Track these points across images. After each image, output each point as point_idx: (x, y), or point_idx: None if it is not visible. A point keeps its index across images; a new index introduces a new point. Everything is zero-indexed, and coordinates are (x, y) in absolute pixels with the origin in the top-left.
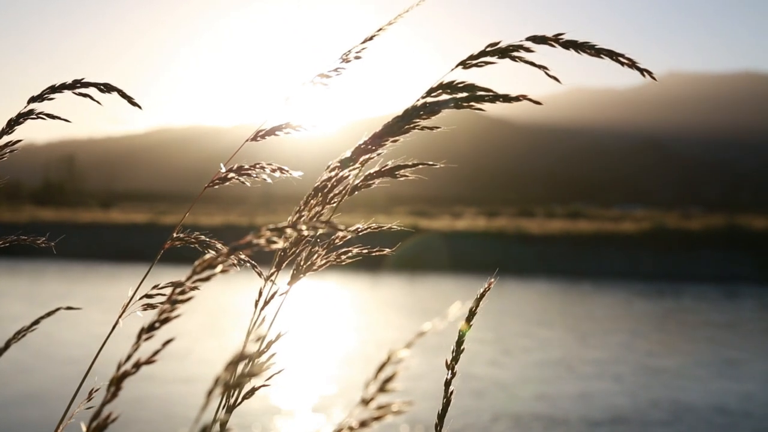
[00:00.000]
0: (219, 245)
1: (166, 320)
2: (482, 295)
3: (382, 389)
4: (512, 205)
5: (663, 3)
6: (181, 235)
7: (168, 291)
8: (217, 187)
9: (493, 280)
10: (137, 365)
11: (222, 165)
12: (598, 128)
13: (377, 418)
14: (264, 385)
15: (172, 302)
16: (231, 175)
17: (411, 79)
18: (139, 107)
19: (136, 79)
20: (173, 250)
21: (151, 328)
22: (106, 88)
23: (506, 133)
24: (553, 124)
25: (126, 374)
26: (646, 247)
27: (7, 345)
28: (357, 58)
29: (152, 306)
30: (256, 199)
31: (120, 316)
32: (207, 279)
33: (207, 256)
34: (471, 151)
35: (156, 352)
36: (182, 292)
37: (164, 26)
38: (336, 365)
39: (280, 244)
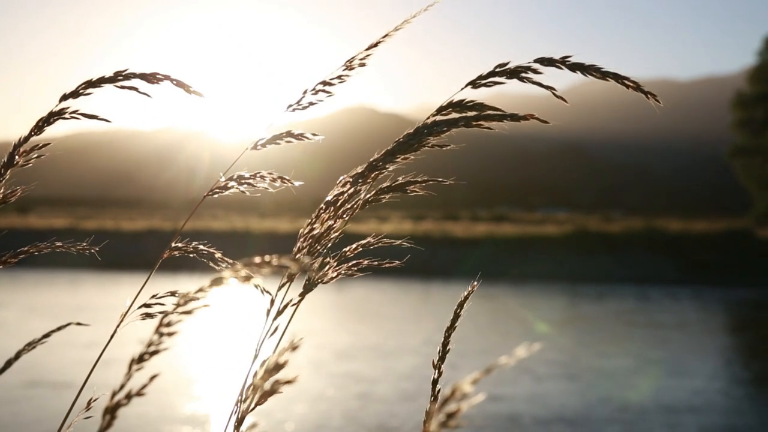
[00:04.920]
0: (218, 255)
1: (155, 352)
2: (465, 299)
3: (444, 425)
4: (437, 208)
5: (581, 10)
6: (180, 245)
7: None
8: (216, 196)
9: (476, 283)
10: (129, 396)
11: (221, 174)
12: (521, 133)
13: None
14: (278, 392)
15: (159, 334)
16: (231, 183)
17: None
18: (200, 95)
19: (56, 81)
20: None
21: (140, 359)
22: (155, 78)
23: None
24: (476, 129)
25: (119, 404)
26: (569, 249)
27: (18, 356)
28: (362, 65)
29: (150, 315)
30: (178, 203)
31: (118, 326)
32: (190, 312)
33: (187, 291)
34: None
35: (144, 386)
36: (168, 324)
37: (86, 28)
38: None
39: (259, 280)
